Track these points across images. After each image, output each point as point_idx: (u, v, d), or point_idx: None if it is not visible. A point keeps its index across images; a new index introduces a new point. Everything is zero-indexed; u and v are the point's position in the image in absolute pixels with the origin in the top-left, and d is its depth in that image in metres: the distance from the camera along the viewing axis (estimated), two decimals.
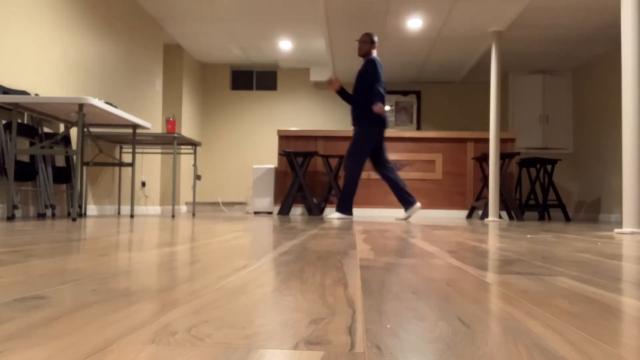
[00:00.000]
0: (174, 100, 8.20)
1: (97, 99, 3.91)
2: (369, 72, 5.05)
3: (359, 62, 8.04)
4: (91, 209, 5.32)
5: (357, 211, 7.01)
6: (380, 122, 5.08)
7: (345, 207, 5.10)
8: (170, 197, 8.06)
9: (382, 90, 5.02)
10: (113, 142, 5.78)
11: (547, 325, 0.57)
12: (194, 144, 5.87)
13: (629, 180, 3.24)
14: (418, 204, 5.10)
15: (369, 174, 7.04)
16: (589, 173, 8.07)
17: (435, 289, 0.80)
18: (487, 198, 6.35)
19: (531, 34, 6.78)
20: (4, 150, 3.86)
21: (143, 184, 6.60)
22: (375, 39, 5.20)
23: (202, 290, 0.76)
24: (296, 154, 6.39)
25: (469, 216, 6.86)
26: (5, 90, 3.89)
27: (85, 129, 4.54)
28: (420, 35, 6.80)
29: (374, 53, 5.20)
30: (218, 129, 9.24)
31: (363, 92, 5.08)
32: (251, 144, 9.21)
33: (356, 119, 5.14)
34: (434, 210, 7.02)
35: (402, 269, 1.06)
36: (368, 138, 5.07)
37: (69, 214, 4.77)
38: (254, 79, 9.28)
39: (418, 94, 9.29)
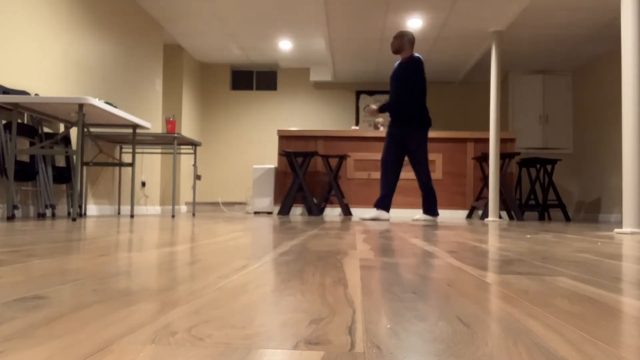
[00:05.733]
0: (174, 100, 8.20)
1: (97, 99, 3.91)
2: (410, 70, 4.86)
3: (359, 61, 8.04)
4: (91, 209, 5.32)
5: (357, 211, 7.01)
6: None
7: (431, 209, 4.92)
8: (170, 197, 8.06)
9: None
10: (113, 142, 5.78)
11: (547, 325, 0.57)
12: (194, 144, 5.86)
13: (629, 180, 3.24)
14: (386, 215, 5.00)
15: (369, 174, 7.04)
16: (589, 173, 8.06)
17: (435, 289, 0.80)
18: (487, 198, 6.35)
19: (531, 34, 6.77)
20: (4, 150, 3.86)
21: (143, 184, 6.60)
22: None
23: (202, 290, 0.76)
24: (296, 154, 6.39)
25: (469, 216, 6.86)
26: (5, 90, 3.89)
27: (85, 129, 4.54)
28: (420, 35, 6.79)
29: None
30: (218, 129, 9.24)
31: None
32: (251, 144, 9.21)
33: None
34: None
35: (402, 269, 1.06)
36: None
37: (69, 214, 4.76)
38: (254, 79, 9.28)
39: None
